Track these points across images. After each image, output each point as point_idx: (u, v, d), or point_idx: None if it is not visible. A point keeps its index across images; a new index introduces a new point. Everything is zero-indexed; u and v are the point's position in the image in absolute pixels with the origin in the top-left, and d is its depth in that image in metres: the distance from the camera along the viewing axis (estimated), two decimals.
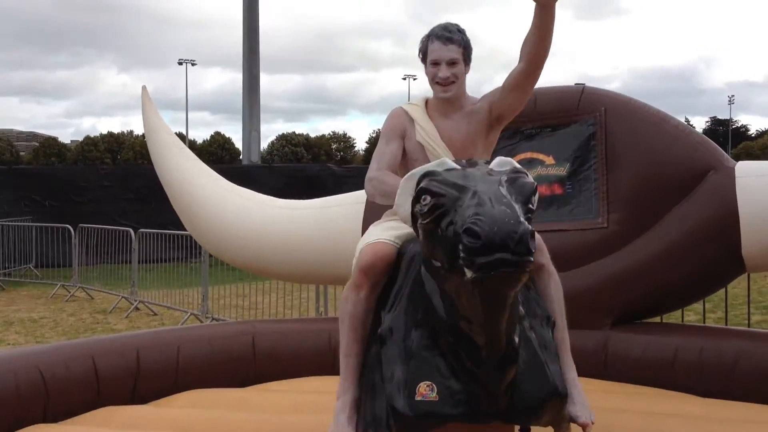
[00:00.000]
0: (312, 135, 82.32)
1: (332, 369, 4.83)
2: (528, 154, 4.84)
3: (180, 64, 63.76)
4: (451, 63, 3.11)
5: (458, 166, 2.51)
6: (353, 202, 5.22)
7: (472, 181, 2.36)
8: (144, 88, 5.79)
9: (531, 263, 2.14)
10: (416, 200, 2.48)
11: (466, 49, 3.15)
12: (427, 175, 2.49)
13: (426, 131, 3.20)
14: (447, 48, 3.10)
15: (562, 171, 4.72)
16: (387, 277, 2.92)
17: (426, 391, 2.59)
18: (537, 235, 2.49)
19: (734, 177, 4.31)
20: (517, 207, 2.26)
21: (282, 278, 5.93)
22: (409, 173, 2.59)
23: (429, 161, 3.06)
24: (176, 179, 5.58)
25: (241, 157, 35.02)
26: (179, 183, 5.57)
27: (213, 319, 9.06)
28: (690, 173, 4.43)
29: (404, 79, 74.40)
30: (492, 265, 2.11)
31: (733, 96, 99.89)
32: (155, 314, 10.49)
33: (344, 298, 2.95)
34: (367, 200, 5.15)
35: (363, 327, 2.91)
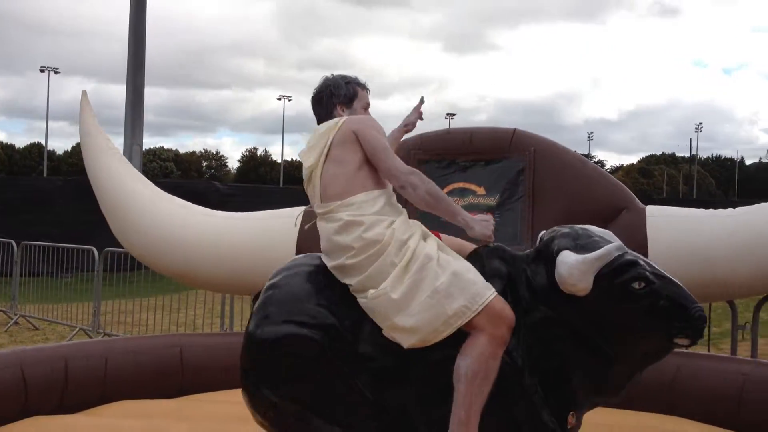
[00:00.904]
0: (180, 151, 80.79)
1: None
2: (461, 184, 5.18)
3: (42, 71, 60.61)
4: None
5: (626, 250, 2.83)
6: (289, 215, 5.34)
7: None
8: (84, 93, 5.72)
9: None
10: (629, 281, 2.73)
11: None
12: (633, 263, 2.78)
13: None
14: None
15: (492, 201, 5.07)
16: None
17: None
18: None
19: (645, 216, 4.77)
20: None
21: (211, 287, 5.93)
22: (598, 254, 2.71)
23: None
24: (110, 183, 5.51)
25: None
26: (112, 187, 5.50)
27: (105, 334, 8.81)
28: (606, 211, 4.85)
29: (279, 99, 74.28)
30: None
31: (592, 132, 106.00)
32: (37, 329, 10.05)
33: (494, 357, 2.73)
34: (304, 214, 5.29)
35: None
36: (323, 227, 2.99)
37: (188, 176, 68.47)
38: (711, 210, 4.87)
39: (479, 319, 2.72)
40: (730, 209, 4.83)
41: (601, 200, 4.90)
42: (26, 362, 4.32)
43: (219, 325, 8.86)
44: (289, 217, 5.32)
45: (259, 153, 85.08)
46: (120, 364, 4.72)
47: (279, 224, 5.33)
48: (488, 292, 2.75)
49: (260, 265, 5.22)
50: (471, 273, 2.81)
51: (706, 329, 6.18)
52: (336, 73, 3.32)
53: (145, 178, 5.67)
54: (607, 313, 2.76)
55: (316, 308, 2.88)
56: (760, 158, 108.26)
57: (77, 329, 9.22)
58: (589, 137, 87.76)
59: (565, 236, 2.88)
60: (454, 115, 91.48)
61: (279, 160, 79.92)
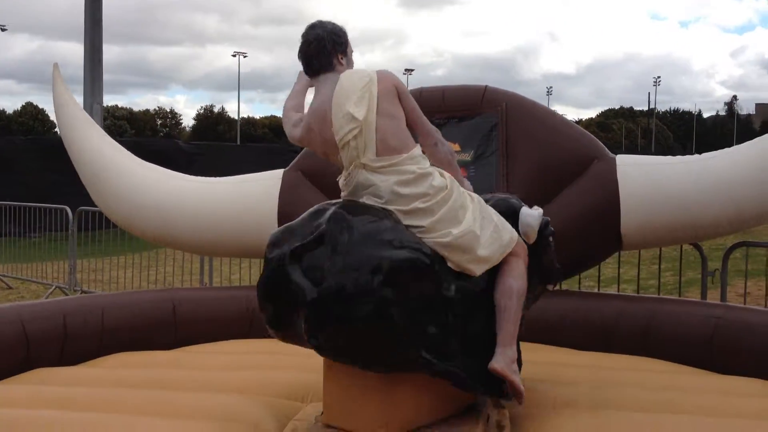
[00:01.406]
0: (133, 109, 79.43)
1: (249, 333, 5.17)
2: None
3: None
4: None
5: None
6: (269, 178, 5.51)
7: None
8: (56, 65, 5.78)
9: None
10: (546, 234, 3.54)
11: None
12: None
13: None
14: None
15: (467, 157, 5.28)
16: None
17: None
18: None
19: (615, 165, 5.03)
20: None
21: (191, 250, 6.08)
22: (538, 211, 3.52)
23: None
24: (87, 152, 5.61)
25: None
26: (90, 156, 5.60)
27: (82, 291, 8.91)
28: (577, 161, 5.09)
29: (234, 56, 73.33)
30: None
31: (551, 87, 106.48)
32: (10, 288, 10.11)
33: (522, 275, 3.25)
34: (284, 178, 5.46)
35: None
36: (379, 179, 3.06)
37: (143, 135, 67.45)
38: (677, 156, 5.16)
39: (517, 247, 3.27)
40: (695, 155, 5.11)
41: (572, 151, 5.12)
42: (26, 317, 4.46)
43: (199, 282, 9.05)
44: (270, 179, 5.50)
45: (215, 110, 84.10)
46: (116, 318, 4.88)
47: (258, 187, 5.49)
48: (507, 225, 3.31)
49: (240, 228, 5.41)
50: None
51: (676, 277, 6.52)
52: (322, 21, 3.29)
53: (122, 147, 5.78)
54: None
55: (407, 237, 2.98)
56: (717, 111, 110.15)
57: (53, 287, 9.30)
58: (548, 92, 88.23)
59: (504, 199, 3.60)
60: (412, 70, 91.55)
61: (236, 118, 79.10)
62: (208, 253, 6.37)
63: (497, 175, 5.19)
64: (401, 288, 2.86)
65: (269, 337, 4.90)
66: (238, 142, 60.98)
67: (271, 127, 77.60)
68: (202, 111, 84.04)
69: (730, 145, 5.60)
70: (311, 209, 3.12)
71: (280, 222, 5.33)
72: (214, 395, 3.79)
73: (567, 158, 5.10)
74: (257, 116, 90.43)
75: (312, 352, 3.04)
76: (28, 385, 4.05)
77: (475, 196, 3.30)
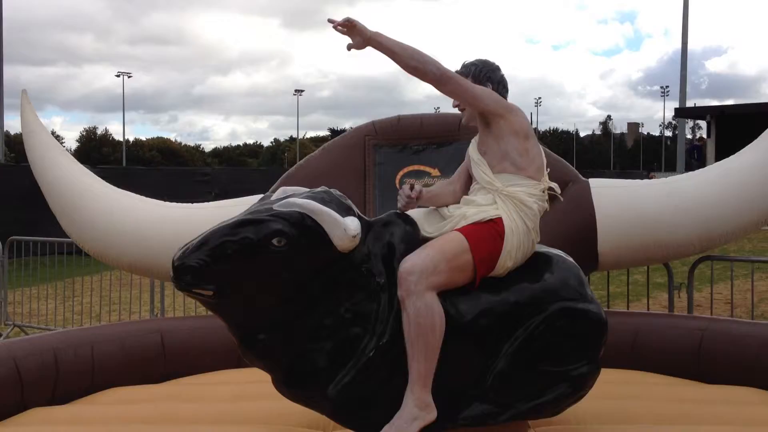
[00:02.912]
0: (10, 132, 75.60)
1: (239, 362, 5.10)
2: (416, 167, 5.50)
3: None
4: None
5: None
6: (250, 203, 5.47)
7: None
8: (24, 92, 5.59)
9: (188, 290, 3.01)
10: None
11: (474, 77, 3.54)
12: None
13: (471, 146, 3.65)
14: None
15: None
16: None
17: None
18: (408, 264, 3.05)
19: (590, 188, 5.29)
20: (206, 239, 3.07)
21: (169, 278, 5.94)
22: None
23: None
24: (58, 179, 5.42)
25: None
26: (62, 183, 5.42)
27: (16, 326, 8.48)
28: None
29: (118, 76, 71.52)
30: None
31: (438, 108, 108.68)
32: None
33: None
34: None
35: None
36: None
37: (24, 159, 64.26)
38: (645, 180, 5.50)
39: None
40: (663, 178, 5.47)
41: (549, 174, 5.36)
42: (18, 354, 4.28)
43: (117, 312, 8.79)
44: (247, 205, 5.45)
45: (99, 132, 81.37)
46: (107, 352, 4.74)
47: (239, 212, 5.43)
48: None
49: None
50: None
51: (644, 290, 6.84)
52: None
53: (91, 172, 5.62)
54: None
55: None
56: (593, 130, 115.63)
57: None
58: (436, 112, 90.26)
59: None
60: (302, 91, 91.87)
61: (121, 140, 76.83)
62: None
63: None
64: None
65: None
66: (124, 164, 59.31)
67: (160, 149, 75.88)
68: (84, 133, 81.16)
69: (607, 162, 5.95)
70: None
71: None
72: (238, 427, 3.76)
73: None
74: (143, 137, 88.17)
75: None
76: (29, 427, 3.89)
77: None
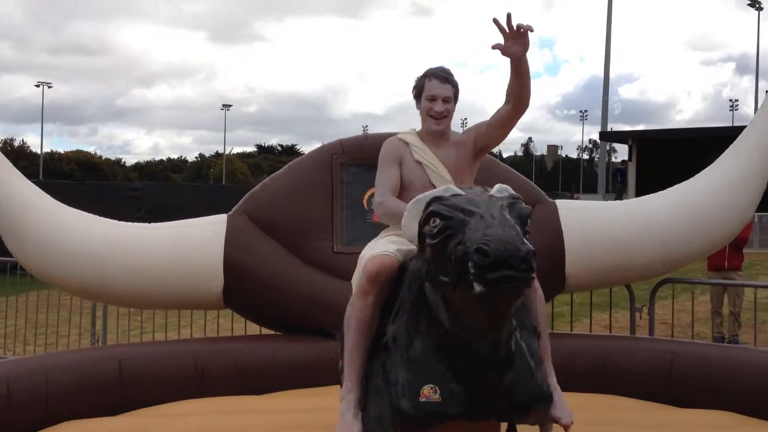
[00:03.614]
0: None
1: (199, 392, 4.87)
2: None
3: None
4: (446, 100, 3.50)
5: (463, 192, 2.85)
6: (213, 223, 5.27)
7: (478, 206, 2.71)
8: None
9: (533, 279, 2.58)
10: (425, 222, 2.80)
11: (457, 89, 3.57)
12: (435, 199, 2.82)
13: (423, 151, 3.54)
14: (444, 86, 3.50)
15: None
16: (390, 287, 3.16)
17: (429, 393, 2.95)
18: None
19: (557, 210, 5.29)
20: (518, 229, 2.65)
21: (125, 303, 5.63)
22: (416, 198, 2.92)
23: (428, 179, 3.44)
24: (5, 197, 5.08)
25: None
26: (8, 201, 5.08)
27: None
28: None
29: (38, 86, 69.33)
30: (499, 280, 2.51)
31: (366, 126, 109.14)
32: None
33: (351, 304, 3.14)
34: (229, 222, 5.24)
35: (368, 331, 3.13)
36: None
37: None
38: (609, 201, 5.54)
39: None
40: (626, 200, 5.52)
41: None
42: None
43: (43, 336, 8.32)
44: (213, 224, 5.26)
45: (16, 144, 78.31)
46: (61, 382, 4.44)
47: (202, 232, 5.25)
48: (371, 253, 3.22)
49: (182, 276, 5.10)
50: (390, 245, 3.25)
51: (607, 314, 6.87)
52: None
53: (44, 193, 5.30)
54: None
55: None
56: (516, 152, 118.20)
57: None
58: (364, 129, 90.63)
59: None
60: (230, 106, 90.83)
61: (38, 152, 74.26)
62: (143, 306, 5.93)
63: None
64: None
65: (223, 394, 4.73)
66: (41, 178, 57.22)
67: (79, 162, 73.48)
68: (8, 147, 77.95)
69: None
70: None
71: (226, 269, 5.11)
72: None
73: None
74: (60, 150, 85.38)
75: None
76: None
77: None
